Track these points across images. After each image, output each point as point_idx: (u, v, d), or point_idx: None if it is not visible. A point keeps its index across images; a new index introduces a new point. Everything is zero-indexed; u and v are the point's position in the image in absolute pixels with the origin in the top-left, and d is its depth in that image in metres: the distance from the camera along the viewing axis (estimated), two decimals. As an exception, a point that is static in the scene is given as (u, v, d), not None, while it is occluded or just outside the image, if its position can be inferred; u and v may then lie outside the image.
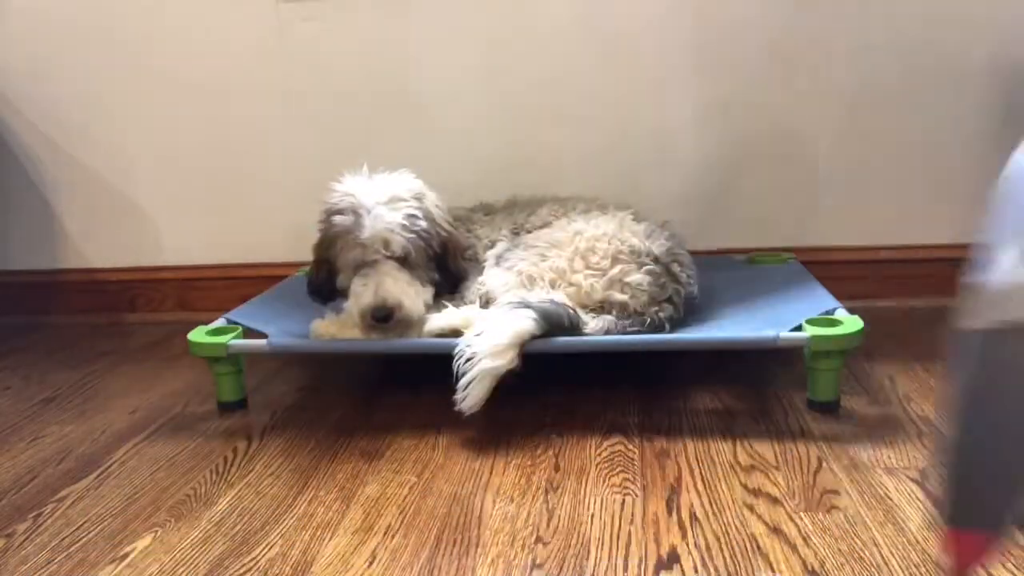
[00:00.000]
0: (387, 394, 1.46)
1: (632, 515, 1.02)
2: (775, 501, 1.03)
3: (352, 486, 1.13)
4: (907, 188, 1.77)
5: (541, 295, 1.30)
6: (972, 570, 0.66)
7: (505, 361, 1.19)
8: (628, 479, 1.10)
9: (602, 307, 1.32)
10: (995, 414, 0.61)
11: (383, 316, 1.30)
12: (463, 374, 1.18)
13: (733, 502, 1.03)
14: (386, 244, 1.31)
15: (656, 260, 1.34)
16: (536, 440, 1.23)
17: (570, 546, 0.96)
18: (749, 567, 0.90)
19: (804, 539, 0.95)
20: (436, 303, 1.36)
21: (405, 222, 1.32)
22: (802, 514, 1.00)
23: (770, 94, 1.75)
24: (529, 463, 1.16)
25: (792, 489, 1.05)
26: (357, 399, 1.44)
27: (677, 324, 1.35)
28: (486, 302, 1.36)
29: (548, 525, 1.01)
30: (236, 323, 1.44)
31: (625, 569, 0.91)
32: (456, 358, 1.19)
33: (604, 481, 1.10)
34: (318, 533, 1.02)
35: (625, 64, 1.77)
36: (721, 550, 0.93)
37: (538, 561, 0.94)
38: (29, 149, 1.98)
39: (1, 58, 1.92)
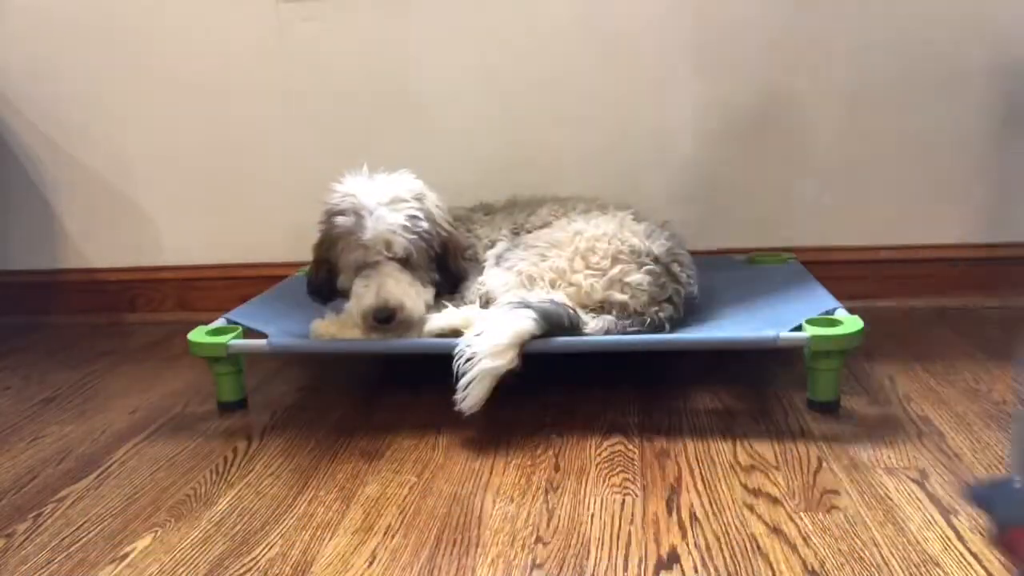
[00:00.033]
0: (387, 394, 1.46)
1: (632, 515, 1.02)
2: (775, 501, 1.03)
3: (352, 486, 1.13)
4: (907, 188, 1.77)
5: (541, 295, 1.30)
6: None
7: (505, 361, 1.19)
8: (628, 479, 1.10)
9: (602, 307, 1.32)
10: None
11: (385, 317, 1.30)
12: (463, 374, 1.18)
13: (733, 502, 1.03)
14: (388, 245, 1.31)
15: (656, 260, 1.34)
16: (536, 440, 1.23)
17: (570, 546, 0.96)
18: (749, 567, 0.90)
19: (804, 539, 0.95)
20: (436, 303, 1.36)
21: (407, 223, 1.32)
22: (802, 514, 1.00)
23: (770, 94, 1.75)
24: (529, 463, 1.16)
25: (792, 489, 1.05)
26: (357, 399, 1.44)
27: (677, 324, 1.35)
28: (486, 302, 1.36)
29: (548, 525, 1.01)
30: (236, 323, 1.44)
31: (625, 569, 0.91)
32: (456, 358, 1.19)
33: (604, 481, 1.10)
34: (318, 533, 1.02)
35: (625, 64, 1.77)
36: (721, 550, 0.93)
37: (538, 561, 0.94)
38: (29, 149, 1.98)
39: (1, 58, 1.92)
